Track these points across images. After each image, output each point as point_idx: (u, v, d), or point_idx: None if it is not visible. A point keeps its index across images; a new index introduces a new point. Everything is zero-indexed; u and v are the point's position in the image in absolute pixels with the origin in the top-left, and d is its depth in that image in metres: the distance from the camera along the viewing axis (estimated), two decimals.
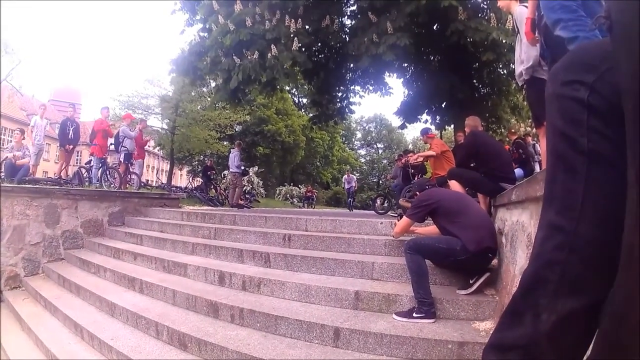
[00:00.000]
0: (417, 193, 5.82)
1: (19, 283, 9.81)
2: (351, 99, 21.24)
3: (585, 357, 1.31)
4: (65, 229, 10.81)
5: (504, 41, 12.28)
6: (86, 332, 6.10)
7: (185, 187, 25.09)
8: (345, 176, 26.37)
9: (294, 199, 42.30)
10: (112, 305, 6.60)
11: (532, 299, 1.35)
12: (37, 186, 11.23)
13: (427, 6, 12.28)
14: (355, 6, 16.28)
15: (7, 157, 12.91)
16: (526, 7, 5.26)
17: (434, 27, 15.10)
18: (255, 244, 7.83)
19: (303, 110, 52.32)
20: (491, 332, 1.68)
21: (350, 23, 16.63)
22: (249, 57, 13.81)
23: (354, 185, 31.31)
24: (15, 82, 27.99)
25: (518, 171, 10.95)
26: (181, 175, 62.22)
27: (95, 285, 7.77)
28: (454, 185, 7.10)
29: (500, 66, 16.39)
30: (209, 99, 35.60)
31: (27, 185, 11.01)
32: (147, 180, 26.97)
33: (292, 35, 13.41)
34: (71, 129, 14.83)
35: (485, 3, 14.11)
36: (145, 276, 7.29)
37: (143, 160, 17.48)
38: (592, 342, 1.26)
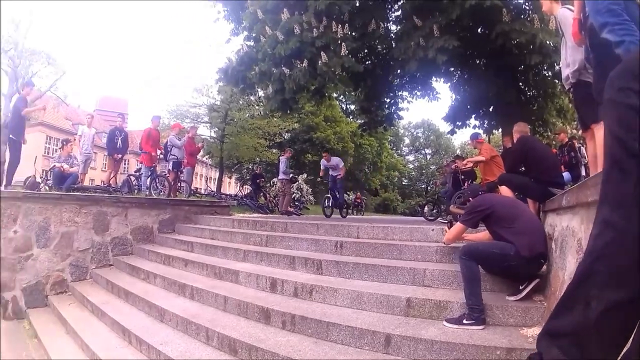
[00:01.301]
0: (470, 199, 5.78)
1: (66, 288, 10.01)
2: (399, 105, 21.11)
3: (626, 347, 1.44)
4: (114, 235, 11.04)
5: (548, 42, 12.11)
6: (134, 337, 6.20)
7: (235, 195, 25.16)
8: (323, 160, 18.28)
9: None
10: (162, 311, 6.71)
11: (584, 289, 1.47)
12: (86, 194, 11.49)
13: (472, 8, 12.15)
14: (400, 11, 16.20)
15: (54, 165, 13.12)
16: (569, 9, 5.23)
17: (478, 30, 14.94)
18: (307, 251, 7.83)
19: (351, 117, 52.26)
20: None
21: (396, 28, 16.55)
22: (299, 66, 13.81)
23: (340, 173, 18.06)
24: (60, 92, 28.44)
25: (566, 175, 10.82)
26: (229, 183, 62.59)
27: (144, 291, 7.91)
28: (504, 190, 7.02)
29: (545, 68, 16.09)
30: (256, 107, 35.82)
31: (76, 193, 11.25)
32: (197, 188, 27.19)
33: (339, 42, 13.38)
34: (119, 138, 15.04)
35: (527, 4, 13.98)
36: (196, 282, 7.38)
37: (193, 168, 17.64)
38: (634, 333, 1.42)
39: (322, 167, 17.57)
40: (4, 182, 11.56)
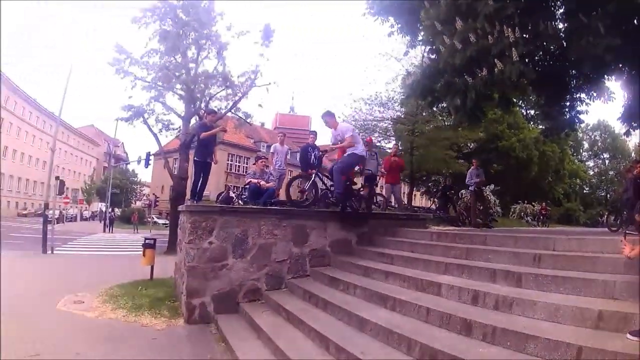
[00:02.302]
0: None
1: (259, 296, 10.45)
2: (577, 108, 20.47)
3: None
4: (313, 247, 11.37)
5: None
6: (333, 345, 6.41)
7: (428, 208, 25.19)
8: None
9: (528, 217, 40.06)
10: (363, 321, 6.88)
11: None
12: (285, 208, 11.88)
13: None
14: (563, 8, 15.69)
15: (250, 181, 13.56)
16: None
17: None
18: (506, 263, 7.75)
19: (531, 123, 50.78)
20: None
21: (563, 27, 16.05)
22: (480, 74, 13.72)
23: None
24: (241, 112, 29.48)
25: None
26: (415, 195, 62.95)
27: (344, 301, 8.12)
28: None
29: None
30: (440, 118, 35.78)
31: (275, 207, 11.70)
32: (378, 201, 27.43)
33: (511, 47, 13.19)
34: (313, 154, 14.89)
35: None
36: (397, 294, 7.51)
37: (398, 184, 17.71)
38: None
39: None
40: (187, 196, 12.14)
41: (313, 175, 12.68)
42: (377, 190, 17.46)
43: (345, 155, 12.03)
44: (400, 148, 18.23)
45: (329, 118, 12.02)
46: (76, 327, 9.65)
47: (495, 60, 13.04)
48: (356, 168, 14.32)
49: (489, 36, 13.11)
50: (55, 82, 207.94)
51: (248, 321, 9.18)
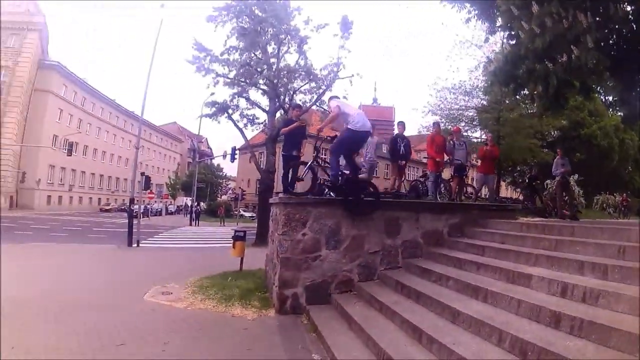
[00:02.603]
0: None
1: (351, 287, 10.49)
2: None
3: None
4: (405, 239, 11.32)
5: None
6: (426, 336, 6.47)
7: (515, 199, 24.92)
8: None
9: (610, 209, 38.69)
10: (455, 312, 6.91)
11: None
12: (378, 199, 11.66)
13: None
14: None
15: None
16: None
17: None
18: (593, 255, 7.60)
19: (610, 110, 49.56)
20: None
21: (630, 9, 15.61)
22: (560, 60, 13.52)
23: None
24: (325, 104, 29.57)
25: None
26: (499, 186, 62.39)
27: (436, 292, 8.13)
28: None
29: None
30: (522, 106, 35.36)
31: (367, 199, 11.44)
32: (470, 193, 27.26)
33: (585, 32, 12.96)
34: (402, 145, 15.15)
35: None
36: (489, 286, 7.52)
37: (491, 175, 17.28)
38: None
39: None
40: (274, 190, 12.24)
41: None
42: (467, 181, 17.39)
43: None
44: (487, 137, 18.02)
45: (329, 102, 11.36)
46: (165, 317, 9.96)
47: (572, 46, 12.90)
48: (363, 151, 14.67)
49: (564, 20, 12.95)
50: (135, 83, 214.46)
51: (340, 312, 9.31)
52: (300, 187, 11.68)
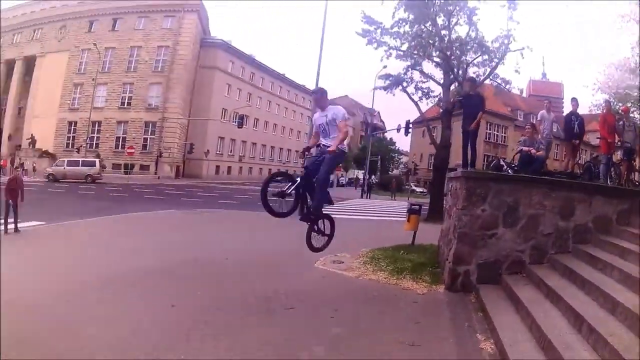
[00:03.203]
0: None
1: (521, 269, 10.27)
2: None
3: None
4: (577, 222, 10.75)
5: None
6: (586, 325, 6.31)
7: None
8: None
9: None
10: (615, 303, 6.64)
11: None
12: (555, 178, 11.72)
13: None
14: None
15: (522, 149, 13.58)
16: None
17: None
18: None
19: None
20: None
21: None
22: None
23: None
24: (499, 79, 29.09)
25: None
26: None
27: (600, 281, 7.79)
28: None
29: None
30: None
31: (546, 177, 11.50)
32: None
33: None
34: (576, 123, 14.67)
35: None
36: None
37: None
38: None
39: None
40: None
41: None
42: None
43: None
44: None
45: (320, 96, 9.48)
46: (335, 284, 10.71)
47: None
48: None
49: None
50: (304, 58, 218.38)
51: (508, 294, 9.28)
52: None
